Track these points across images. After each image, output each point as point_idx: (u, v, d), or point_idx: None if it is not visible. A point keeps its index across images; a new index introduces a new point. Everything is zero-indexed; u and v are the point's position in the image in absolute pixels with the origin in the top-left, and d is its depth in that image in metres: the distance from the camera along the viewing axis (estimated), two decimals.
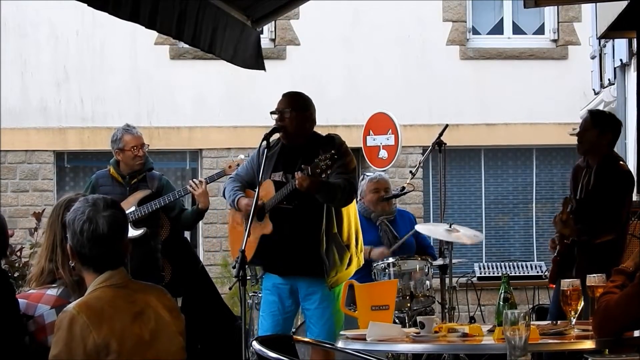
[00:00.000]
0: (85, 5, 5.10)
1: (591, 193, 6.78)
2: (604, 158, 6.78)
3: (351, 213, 6.62)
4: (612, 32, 9.20)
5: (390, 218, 8.12)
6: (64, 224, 3.77)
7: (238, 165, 7.43)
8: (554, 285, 6.87)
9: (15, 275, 8.01)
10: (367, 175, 8.41)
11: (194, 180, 7.69)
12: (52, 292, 3.87)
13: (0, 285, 3.78)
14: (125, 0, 5.28)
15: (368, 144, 11.45)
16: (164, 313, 3.66)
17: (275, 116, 6.53)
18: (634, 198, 8.53)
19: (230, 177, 6.94)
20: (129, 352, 3.49)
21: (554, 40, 15.14)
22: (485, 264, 13.26)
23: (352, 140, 14.09)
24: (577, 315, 4.91)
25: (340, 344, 5.07)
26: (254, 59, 7.32)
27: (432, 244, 8.62)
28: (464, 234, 7.83)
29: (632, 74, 10.82)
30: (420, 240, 8.30)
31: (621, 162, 6.89)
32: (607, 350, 4.54)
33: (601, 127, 6.78)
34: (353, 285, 5.83)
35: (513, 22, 15.22)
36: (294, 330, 7.08)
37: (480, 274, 12.79)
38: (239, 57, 7.11)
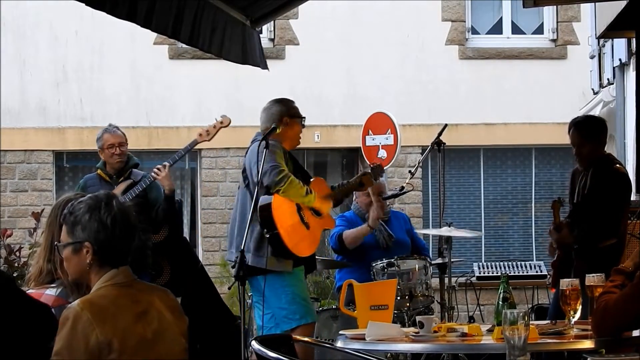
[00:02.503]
0: (84, 5, 5.10)
1: (587, 196, 6.79)
2: (599, 161, 6.78)
3: None
4: (611, 31, 9.19)
5: (385, 218, 8.14)
6: (62, 225, 3.77)
7: (216, 127, 7.51)
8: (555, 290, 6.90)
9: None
10: None
11: (158, 166, 7.62)
12: (51, 292, 3.86)
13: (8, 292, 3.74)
14: (122, 0, 5.29)
15: (367, 144, 11.45)
16: (168, 314, 3.65)
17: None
18: (634, 198, 8.54)
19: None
20: (131, 352, 3.48)
21: (553, 40, 15.14)
22: (485, 263, 13.26)
23: (351, 140, 14.20)
24: (575, 314, 4.91)
25: (339, 344, 5.06)
26: (261, 58, 7.36)
27: (431, 243, 8.64)
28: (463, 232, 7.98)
29: (631, 74, 10.82)
30: (415, 241, 8.32)
31: (617, 165, 6.87)
32: (603, 350, 4.54)
33: (594, 138, 6.78)
34: (352, 285, 5.83)
35: (512, 22, 15.22)
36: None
37: (480, 273, 12.79)
38: (249, 56, 7.13)
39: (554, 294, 6.96)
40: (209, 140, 7.67)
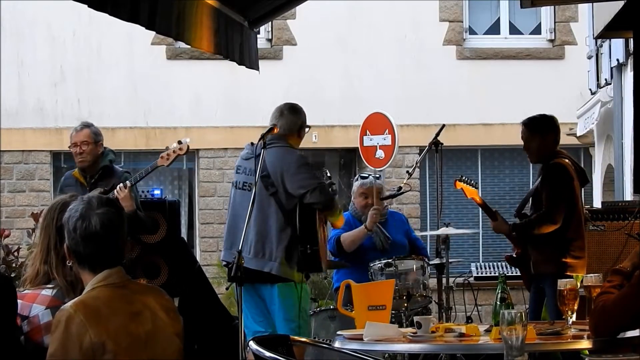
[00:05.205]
0: (83, 5, 5.09)
1: (531, 190, 7.18)
2: (548, 156, 7.05)
3: None
4: (608, 31, 9.20)
5: (382, 220, 8.12)
6: (58, 227, 3.76)
7: (175, 152, 7.30)
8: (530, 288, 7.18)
9: (12, 275, 8.00)
10: (361, 177, 8.41)
11: (120, 185, 7.21)
12: (47, 292, 3.85)
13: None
14: (124, 1, 5.28)
15: (365, 144, 11.44)
16: (162, 314, 3.65)
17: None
18: (631, 198, 8.55)
19: None
20: (125, 352, 3.48)
21: (551, 40, 15.15)
22: (482, 263, 13.25)
23: (348, 140, 14.19)
24: (573, 314, 4.92)
25: (337, 344, 5.06)
26: (255, 59, 7.38)
27: (428, 244, 8.64)
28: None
29: (628, 74, 10.82)
30: (413, 241, 8.31)
31: (560, 159, 7.05)
32: (587, 351, 4.57)
33: (540, 131, 7.05)
34: (350, 285, 5.83)
35: (510, 22, 15.23)
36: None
37: (477, 273, 12.78)
38: (245, 57, 7.14)
39: (530, 292, 7.12)
40: (167, 166, 7.47)
